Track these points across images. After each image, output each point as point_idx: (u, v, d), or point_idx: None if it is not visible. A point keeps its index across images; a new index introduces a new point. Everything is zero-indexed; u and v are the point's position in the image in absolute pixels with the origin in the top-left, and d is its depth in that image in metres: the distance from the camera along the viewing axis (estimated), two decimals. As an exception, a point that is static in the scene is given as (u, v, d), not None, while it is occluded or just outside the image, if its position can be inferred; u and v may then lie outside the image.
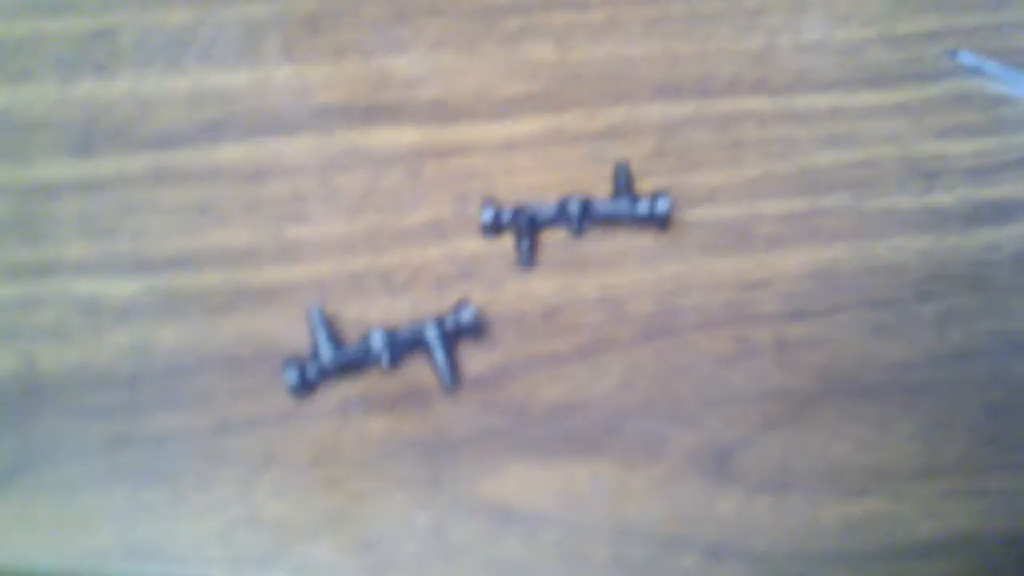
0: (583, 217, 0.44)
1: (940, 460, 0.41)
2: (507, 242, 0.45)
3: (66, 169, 0.46)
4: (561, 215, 0.44)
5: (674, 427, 0.41)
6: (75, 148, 0.47)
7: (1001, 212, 0.46)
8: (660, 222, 0.44)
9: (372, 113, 0.48)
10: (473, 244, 0.45)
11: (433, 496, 0.40)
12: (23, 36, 0.50)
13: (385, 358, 0.41)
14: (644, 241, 0.45)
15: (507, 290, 0.44)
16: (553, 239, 0.45)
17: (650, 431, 0.41)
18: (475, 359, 0.42)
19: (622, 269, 0.44)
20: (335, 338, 0.41)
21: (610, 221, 0.45)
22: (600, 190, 0.46)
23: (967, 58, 0.50)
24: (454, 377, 0.41)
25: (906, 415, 0.42)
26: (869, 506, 0.40)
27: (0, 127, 0.47)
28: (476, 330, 0.42)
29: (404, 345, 0.41)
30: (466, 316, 0.42)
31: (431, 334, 0.41)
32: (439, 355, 0.41)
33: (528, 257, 0.44)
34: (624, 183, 0.45)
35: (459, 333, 0.42)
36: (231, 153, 0.47)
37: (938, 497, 0.40)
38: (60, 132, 0.47)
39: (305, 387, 0.41)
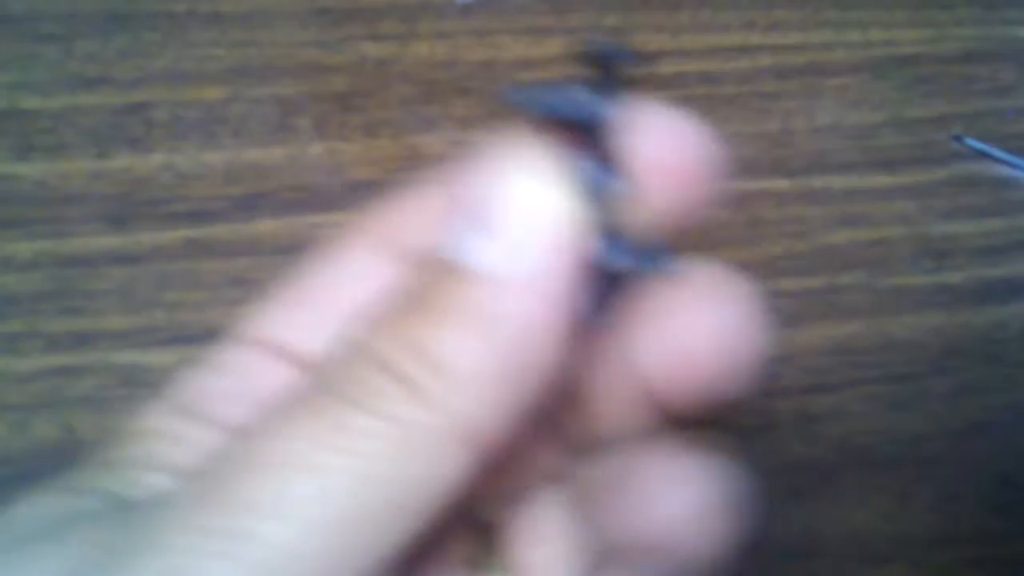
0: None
1: (957, 529, 0.42)
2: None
3: (103, 242, 0.47)
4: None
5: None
6: (112, 221, 0.47)
7: (1009, 290, 0.48)
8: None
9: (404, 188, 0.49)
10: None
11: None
12: (59, 110, 0.51)
13: None
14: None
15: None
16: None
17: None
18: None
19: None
20: None
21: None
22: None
23: (973, 143, 0.52)
24: None
25: (923, 486, 0.43)
26: (893, 573, 0.41)
27: (38, 200, 0.48)
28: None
29: None
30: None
31: None
32: None
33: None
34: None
35: None
36: (267, 227, 0.48)
37: (956, 565, 0.41)
38: (97, 205, 0.48)
39: None
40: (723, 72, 0.55)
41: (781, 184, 0.51)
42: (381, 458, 0.19)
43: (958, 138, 0.52)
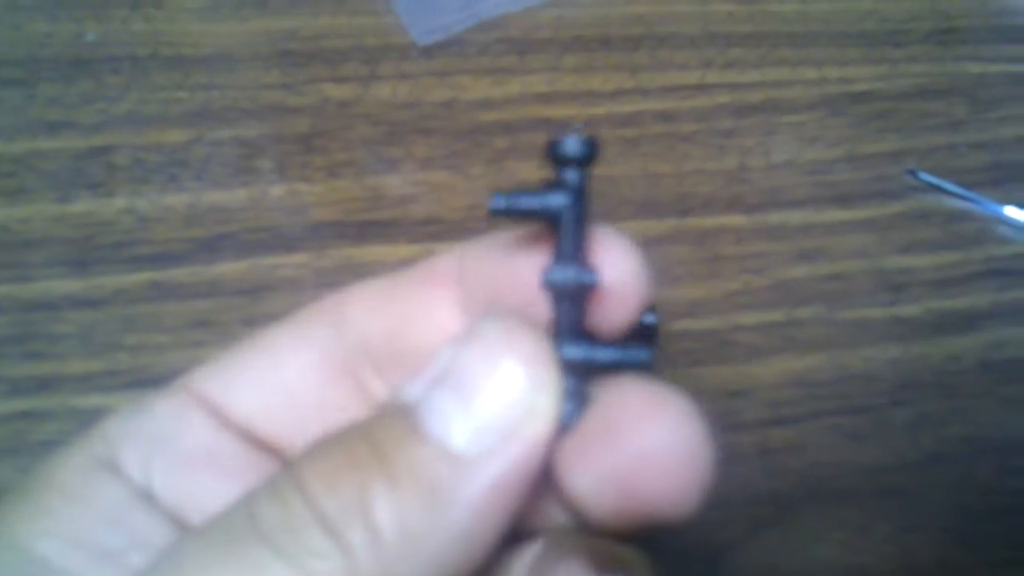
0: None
1: (916, 561, 0.42)
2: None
3: (65, 285, 0.47)
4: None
5: (664, 531, 0.42)
6: (74, 265, 0.47)
7: (963, 322, 0.49)
8: (648, 335, 0.46)
9: (366, 230, 0.50)
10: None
11: None
12: (20, 154, 0.51)
13: None
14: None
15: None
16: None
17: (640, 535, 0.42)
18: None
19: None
20: None
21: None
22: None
23: (927, 177, 0.53)
24: None
25: (883, 517, 0.43)
26: (852, 606, 0.41)
27: (-1, 244, 0.48)
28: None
29: None
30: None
31: None
32: None
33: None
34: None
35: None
36: (229, 269, 0.48)
37: (917, 598, 0.42)
38: (58, 249, 0.48)
39: None
40: (680, 110, 0.56)
41: (739, 220, 0.51)
42: None
43: (912, 172, 0.53)
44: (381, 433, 0.20)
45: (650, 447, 0.21)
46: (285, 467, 0.21)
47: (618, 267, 0.24)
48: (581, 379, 0.23)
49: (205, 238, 0.49)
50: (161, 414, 0.25)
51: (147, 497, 0.24)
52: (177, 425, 0.25)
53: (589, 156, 0.23)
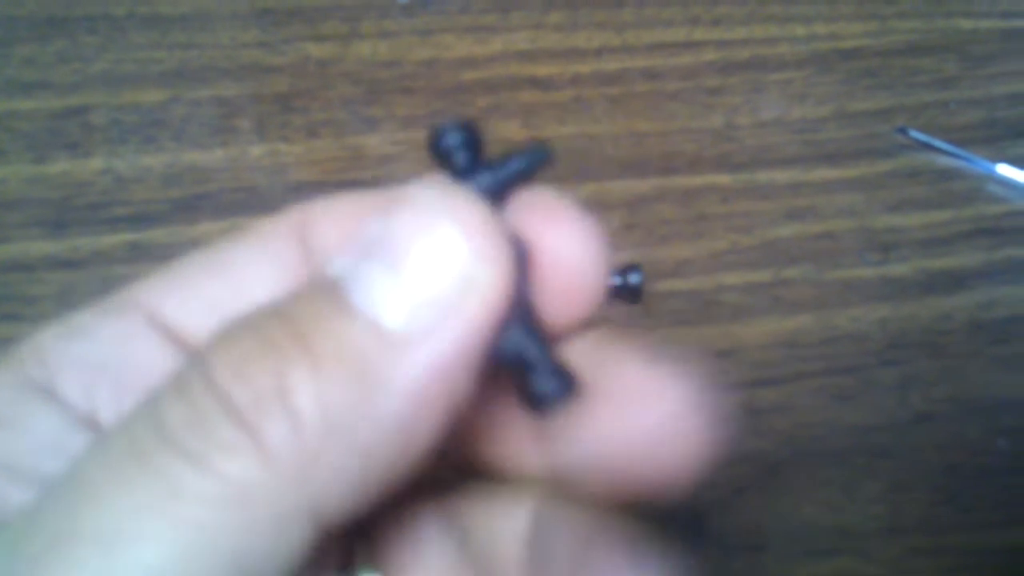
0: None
1: (904, 520, 0.42)
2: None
3: (42, 247, 0.46)
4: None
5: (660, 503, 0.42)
6: (51, 226, 0.47)
7: (953, 281, 0.48)
8: (632, 295, 0.45)
9: (346, 190, 0.49)
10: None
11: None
12: (-5, 115, 0.50)
13: None
14: (616, 313, 0.46)
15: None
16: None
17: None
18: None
19: (595, 340, 0.45)
20: None
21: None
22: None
23: (917, 135, 0.52)
24: None
25: (870, 477, 0.43)
26: (839, 565, 0.41)
27: (-26, 206, 0.48)
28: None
29: None
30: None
31: None
32: None
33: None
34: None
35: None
36: (208, 229, 0.47)
37: (903, 556, 0.41)
38: (35, 210, 0.47)
39: None
40: (667, 68, 0.55)
41: (725, 179, 0.51)
42: (219, 531, 0.17)
43: (902, 130, 0.53)
44: (301, 310, 0.18)
45: (654, 427, 0.19)
46: (191, 357, 0.18)
47: (567, 241, 0.20)
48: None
49: (184, 198, 0.48)
50: (106, 336, 0.23)
51: (91, 423, 0.22)
52: (125, 348, 0.23)
53: (472, 142, 0.21)
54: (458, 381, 0.18)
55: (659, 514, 0.22)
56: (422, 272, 0.18)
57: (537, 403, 0.20)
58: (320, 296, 0.18)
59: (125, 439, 0.18)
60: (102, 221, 0.47)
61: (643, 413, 0.19)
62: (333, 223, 0.24)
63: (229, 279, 0.24)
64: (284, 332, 0.18)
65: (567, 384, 0.20)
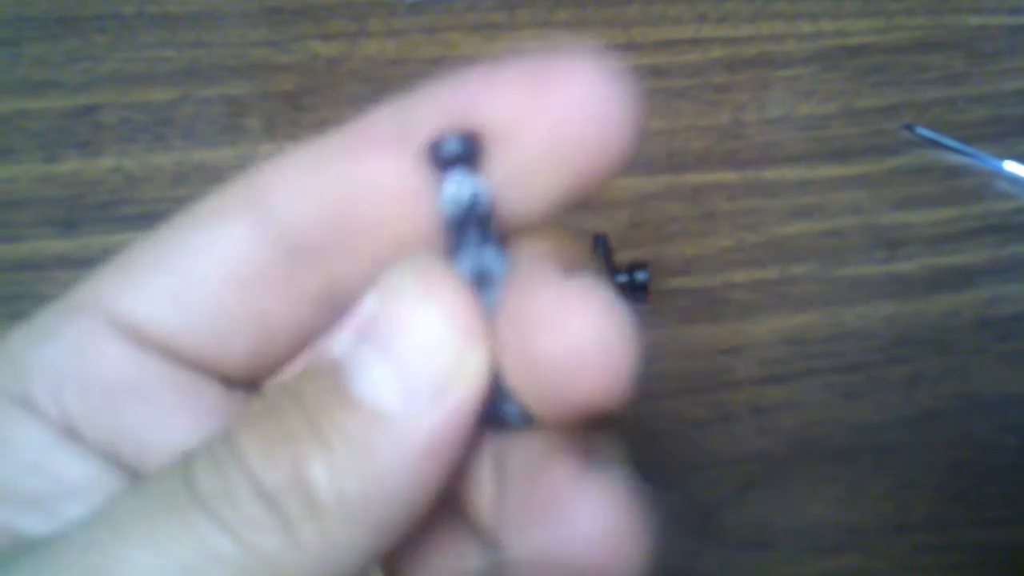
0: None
1: (911, 517, 0.42)
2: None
3: (53, 245, 0.47)
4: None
5: (657, 488, 0.42)
6: (61, 225, 0.47)
7: (960, 279, 0.48)
8: (639, 292, 0.45)
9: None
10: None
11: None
12: (7, 114, 0.51)
13: None
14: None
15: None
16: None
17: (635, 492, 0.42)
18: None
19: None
20: None
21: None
22: (579, 261, 0.47)
23: (924, 132, 0.52)
24: None
25: (877, 475, 0.43)
26: (846, 562, 0.41)
27: (-15, 204, 0.48)
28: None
29: None
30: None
31: None
32: None
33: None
34: (604, 255, 0.46)
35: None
36: (217, 228, 0.47)
37: (911, 553, 0.41)
38: (46, 209, 0.48)
39: None
40: (674, 65, 0.55)
41: (732, 176, 0.51)
42: None
43: (909, 127, 0.53)
44: (311, 398, 0.19)
45: (570, 344, 0.19)
46: (222, 433, 0.20)
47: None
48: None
49: (193, 197, 0.47)
50: (69, 339, 0.23)
51: (70, 435, 0.22)
52: (87, 352, 0.23)
53: (471, 155, 0.21)
54: (452, 452, 0.20)
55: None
56: (413, 359, 0.19)
57: (500, 426, 0.21)
58: (326, 382, 0.19)
59: (160, 491, 0.19)
60: (112, 220, 0.48)
61: (562, 332, 0.19)
62: (291, 187, 0.23)
63: (185, 268, 0.23)
64: (299, 419, 0.19)
65: (527, 414, 0.21)
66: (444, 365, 0.19)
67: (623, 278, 0.45)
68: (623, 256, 0.47)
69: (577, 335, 0.19)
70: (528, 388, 0.20)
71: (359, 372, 0.19)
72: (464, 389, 0.19)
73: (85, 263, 0.46)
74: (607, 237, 0.46)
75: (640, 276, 0.45)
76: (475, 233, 0.21)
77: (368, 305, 0.20)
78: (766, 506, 0.42)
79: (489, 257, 0.21)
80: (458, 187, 0.21)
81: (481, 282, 0.21)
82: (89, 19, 0.54)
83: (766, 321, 0.46)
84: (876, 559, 0.41)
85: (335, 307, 0.24)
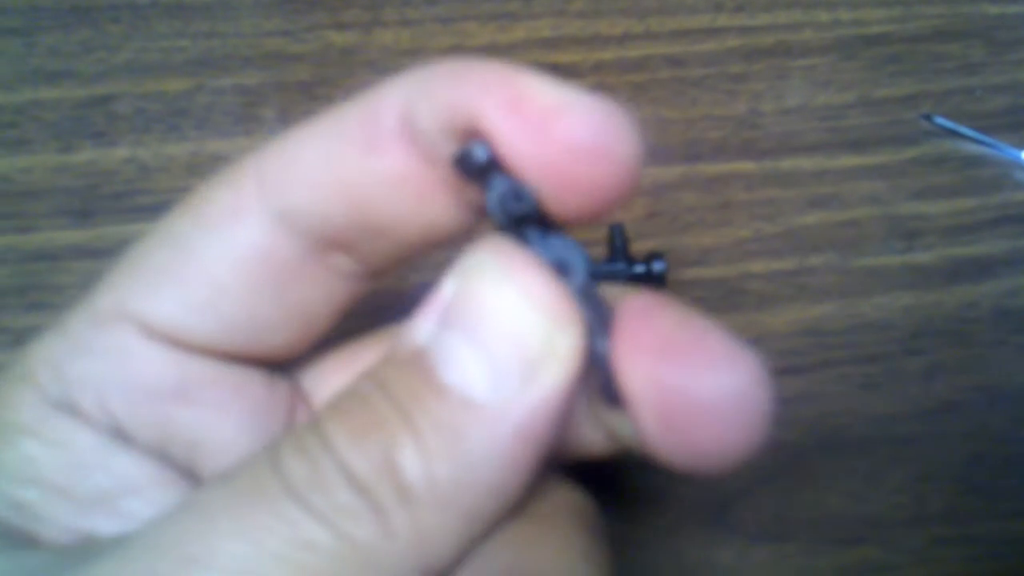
0: (580, 279, 0.45)
1: (929, 510, 0.42)
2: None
3: (68, 235, 0.47)
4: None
5: (673, 479, 0.42)
6: (76, 215, 0.47)
7: (979, 269, 0.48)
8: (656, 283, 0.45)
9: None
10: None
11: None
12: (21, 104, 0.51)
13: None
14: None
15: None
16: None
17: (650, 483, 0.42)
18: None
19: (618, 329, 0.45)
20: None
21: (607, 282, 0.46)
22: (595, 252, 0.47)
23: (942, 121, 0.52)
24: None
25: (895, 466, 0.43)
26: (863, 555, 0.41)
27: (0, 195, 0.48)
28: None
29: None
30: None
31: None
32: None
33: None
34: (620, 245, 0.46)
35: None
36: (232, 219, 0.47)
37: (928, 545, 0.41)
38: (61, 199, 0.48)
39: None
40: (690, 54, 0.55)
41: (749, 166, 0.50)
42: None
43: (927, 117, 0.52)
44: (398, 385, 0.19)
45: (710, 395, 0.20)
46: (310, 422, 0.20)
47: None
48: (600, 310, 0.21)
49: None
50: (108, 352, 0.23)
51: (120, 437, 0.23)
52: (127, 363, 0.23)
53: (498, 159, 0.21)
54: (544, 439, 0.20)
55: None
56: (501, 344, 0.19)
57: (613, 401, 0.21)
58: (412, 370, 0.19)
59: (249, 481, 0.19)
60: (127, 210, 0.47)
61: (706, 382, 0.21)
62: (295, 171, 0.23)
63: (211, 276, 0.23)
64: (387, 406, 0.19)
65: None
66: (533, 349, 0.19)
67: (640, 268, 0.45)
68: (640, 246, 0.47)
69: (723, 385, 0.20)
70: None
71: (446, 358, 0.19)
72: (555, 374, 0.19)
73: (100, 253, 0.46)
74: (623, 227, 0.46)
75: (657, 266, 0.45)
76: (534, 229, 0.21)
77: (448, 290, 0.20)
78: (784, 498, 0.42)
79: (559, 247, 0.21)
80: (501, 189, 0.21)
81: (561, 269, 0.21)
82: (103, 8, 0.54)
83: (783, 312, 0.46)
84: (894, 551, 0.41)
85: (371, 277, 0.24)
